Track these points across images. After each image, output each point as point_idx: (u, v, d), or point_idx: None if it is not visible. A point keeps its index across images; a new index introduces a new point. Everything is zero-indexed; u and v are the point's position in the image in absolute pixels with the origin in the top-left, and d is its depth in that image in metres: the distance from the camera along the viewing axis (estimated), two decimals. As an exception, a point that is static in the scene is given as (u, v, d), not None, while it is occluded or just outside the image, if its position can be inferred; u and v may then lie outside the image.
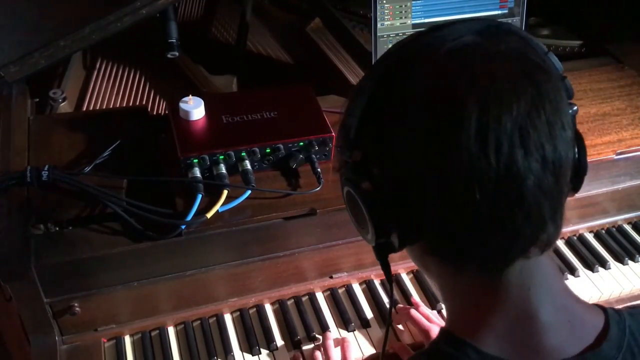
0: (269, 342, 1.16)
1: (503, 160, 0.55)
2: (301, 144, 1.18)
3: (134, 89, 1.50)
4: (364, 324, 1.21)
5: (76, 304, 1.06)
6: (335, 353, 1.14)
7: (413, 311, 1.19)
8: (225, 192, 1.09)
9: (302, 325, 1.20)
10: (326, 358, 1.13)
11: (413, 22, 1.40)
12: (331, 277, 1.26)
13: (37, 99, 1.37)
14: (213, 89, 1.50)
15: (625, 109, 1.44)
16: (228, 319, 1.20)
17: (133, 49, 1.59)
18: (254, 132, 1.19)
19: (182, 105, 1.19)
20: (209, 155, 1.13)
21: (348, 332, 1.20)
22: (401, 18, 1.38)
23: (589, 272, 1.36)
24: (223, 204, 1.09)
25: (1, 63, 1.24)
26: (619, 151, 1.33)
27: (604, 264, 1.37)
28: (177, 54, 1.33)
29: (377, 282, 1.29)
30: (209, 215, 1.06)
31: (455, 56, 0.59)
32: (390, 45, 1.39)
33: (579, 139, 0.64)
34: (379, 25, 1.37)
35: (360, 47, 1.62)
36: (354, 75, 1.59)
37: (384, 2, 1.35)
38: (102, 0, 1.34)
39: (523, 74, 0.57)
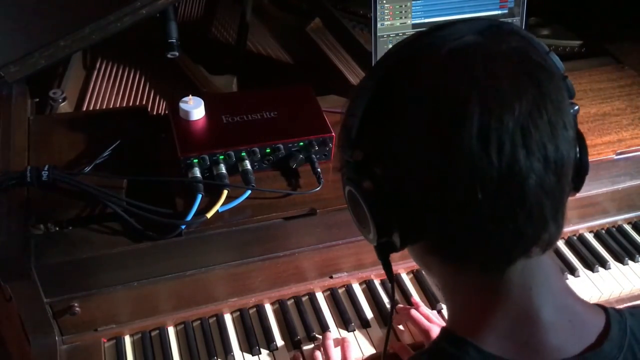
0: (269, 342, 1.16)
1: (505, 159, 0.55)
2: (301, 144, 1.18)
3: (134, 89, 1.50)
4: (364, 324, 1.21)
5: (76, 304, 1.06)
6: (335, 353, 1.13)
7: (413, 311, 1.19)
8: (225, 192, 1.09)
9: (302, 325, 1.20)
10: (326, 358, 1.13)
11: (413, 22, 1.40)
12: (331, 277, 1.26)
13: (37, 99, 1.37)
14: (213, 89, 1.50)
15: (625, 109, 1.44)
16: (228, 319, 1.20)
17: (133, 49, 1.59)
18: (254, 132, 1.19)
19: (182, 105, 1.19)
20: (209, 155, 1.13)
21: (348, 332, 1.20)
22: (401, 18, 1.38)
23: (589, 272, 1.36)
24: (223, 204, 1.09)
25: (1, 63, 1.23)
26: (619, 151, 1.33)
27: (604, 264, 1.37)
28: (177, 54, 1.33)
29: (377, 282, 1.29)
30: (209, 215, 1.06)
31: (456, 56, 0.59)
32: (390, 45, 1.40)
33: (580, 139, 0.64)
34: (379, 25, 1.37)
35: (360, 47, 1.62)
36: (354, 75, 1.59)
37: (384, 2, 1.35)
38: (102, 0, 1.34)
39: (525, 74, 0.57)
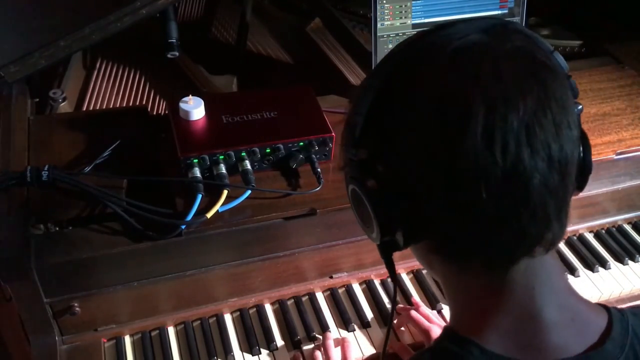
0: (269, 342, 1.16)
1: (509, 159, 0.55)
2: (301, 144, 1.18)
3: (134, 89, 1.50)
4: (364, 324, 1.21)
5: (76, 304, 1.06)
6: (335, 353, 1.13)
7: (413, 312, 1.19)
8: (225, 192, 1.09)
9: (302, 325, 1.20)
10: (326, 358, 1.13)
11: (413, 22, 1.40)
12: (331, 277, 1.26)
13: (37, 99, 1.37)
14: (213, 89, 1.50)
15: (625, 109, 1.44)
16: (228, 319, 1.20)
17: (133, 49, 1.59)
18: (254, 132, 1.18)
19: (182, 105, 1.19)
20: (209, 155, 1.12)
21: (348, 332, 1.20)
22: (401, 18, 1.39)
23: (589, 272, 1.36)
24: (223, 204, 1.08)
25: (1, 63, 1.23)
26: (619, 151, 1.33)
27: (604, 264, 1.37)
28: (177, 54, 1.33)
29: (377, 282, 1.29)
30: (209, 215, 1.06)
31: (461, 55, 0.58)
32: (390, 45, 1.40)
33: (584, 138, 0.65)
34: (379, 25, 1.37)
35: (360, 47, 1.62)
36: (354, 75, 1.59)
37: (384, 2, 1.35)
38: (102, 0, 1.34)
39: (529, 73, 0.57)
